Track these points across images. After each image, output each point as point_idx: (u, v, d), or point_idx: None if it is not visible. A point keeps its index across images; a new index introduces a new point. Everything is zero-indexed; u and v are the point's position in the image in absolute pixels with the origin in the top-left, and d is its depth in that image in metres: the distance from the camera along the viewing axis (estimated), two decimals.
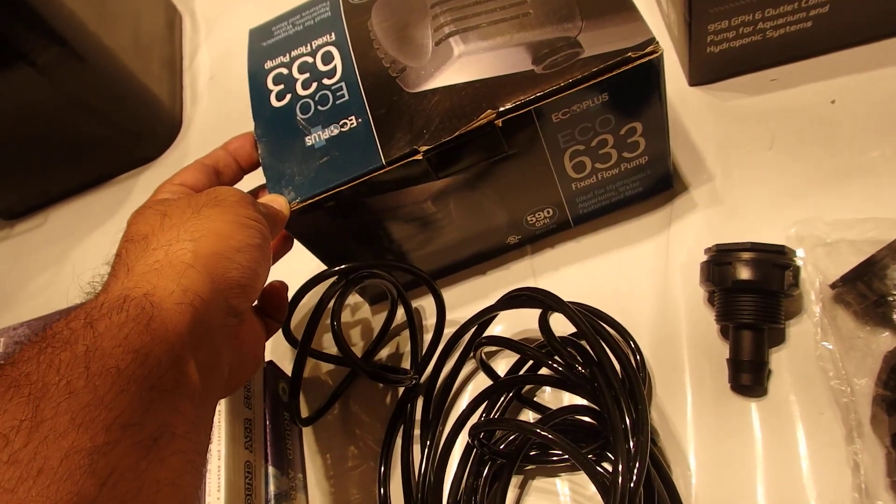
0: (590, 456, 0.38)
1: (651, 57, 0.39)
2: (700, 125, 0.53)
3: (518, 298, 0.43)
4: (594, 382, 0.36)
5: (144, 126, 0.74)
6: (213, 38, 0.82)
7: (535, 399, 0.45)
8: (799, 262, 0.43)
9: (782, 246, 0.42)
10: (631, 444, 0.35)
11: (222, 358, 0.32)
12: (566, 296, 0.47)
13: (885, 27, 0.50)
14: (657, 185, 0.50)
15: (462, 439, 0.43)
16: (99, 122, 0.71)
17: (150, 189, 0.71)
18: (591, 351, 0.38)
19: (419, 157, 0.42)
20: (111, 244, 0.67)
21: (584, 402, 0.39)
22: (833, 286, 0.42)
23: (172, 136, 0.76)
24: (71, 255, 0.71)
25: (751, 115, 0.52)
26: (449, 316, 0.50)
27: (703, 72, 0.53)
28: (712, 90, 0.54)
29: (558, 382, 0.39)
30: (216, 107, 0.76)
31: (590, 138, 0.44)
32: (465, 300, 0.52)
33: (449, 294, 0.52)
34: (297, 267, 0.49)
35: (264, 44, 0.51)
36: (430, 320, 0.53)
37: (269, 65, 0.49)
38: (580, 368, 0.38)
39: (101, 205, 0.74)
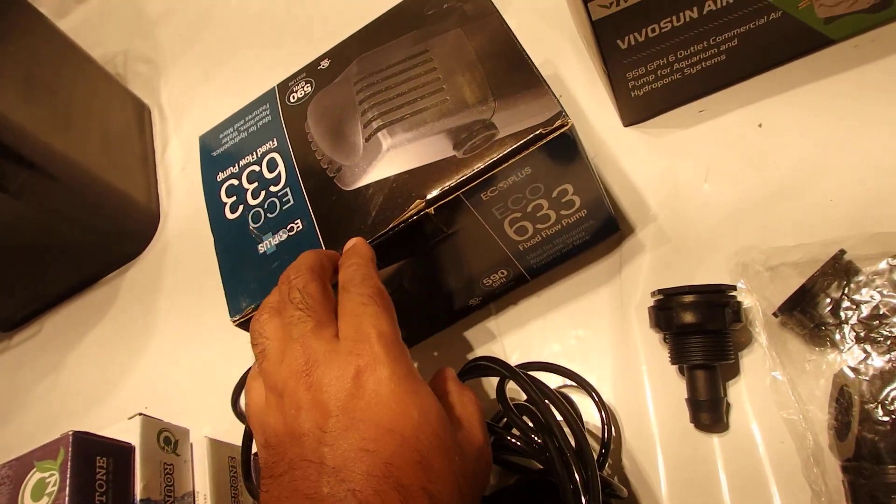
0: None
1: (561, 130, 0.41)
2: (639, 165, 0.54)
3: (477, 368, 0.44)
4: (546, 451, 0.38)
5: (124, 226, 0.77)
6: (182, 129, 0.85)
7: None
8: (738, 297, 0.45)
9: (718, 284, 0.44)
10: None
11: None
12: (534, 353, 0.49)
13: (797, 48, 0.52)
14: (603, 230, 0.51)
15: None
16: (78, 230, 0.73)
17: (137, 286, 0.75)
18: (541, 417, 0.39)
19: None
20: (103, 345, 0.70)
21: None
22: (775, 315, 0.44)
23: (152, 230, 0.79)
24: (67, 361, 0.74)
25: (685, 149, 0.53)
26: None
27: (633, 113, 0.55)
28: (645, 128, 0.56)
29: (520, 451, 0.41)
30: (190, 197, 0.79)
31: (524, 206, 0.46)
32: (435, 366, 0.54)
33: (418, 358, 0.54)
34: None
35: (214, 154, 0.53)
36: None
37: (220, 177, 0.52)
38: (534, 436, 0.40)
39: (91, 308, 0.77)
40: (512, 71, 0.44)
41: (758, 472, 0.42)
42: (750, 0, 0.47)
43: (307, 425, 0.32)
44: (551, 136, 0.41)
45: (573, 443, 0.38)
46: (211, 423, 0.58)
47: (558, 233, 0.49)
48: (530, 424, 0.40)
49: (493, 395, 0.50)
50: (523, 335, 0.53)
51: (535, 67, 0.44)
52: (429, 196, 0.42)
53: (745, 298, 0.46)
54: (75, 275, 0.78)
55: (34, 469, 0.42)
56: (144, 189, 0.80)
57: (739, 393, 0.45)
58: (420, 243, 0.45)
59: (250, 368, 0.40)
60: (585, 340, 0.50)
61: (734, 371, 0.45)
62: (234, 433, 0.48)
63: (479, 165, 0.42)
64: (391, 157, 0.45)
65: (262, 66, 0.81)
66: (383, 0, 0.53)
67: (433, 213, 0.43)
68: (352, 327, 0.35)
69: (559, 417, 0.40)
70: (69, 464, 0.41)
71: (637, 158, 0.55)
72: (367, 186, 0.45)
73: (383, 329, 0.35)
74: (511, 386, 0.43)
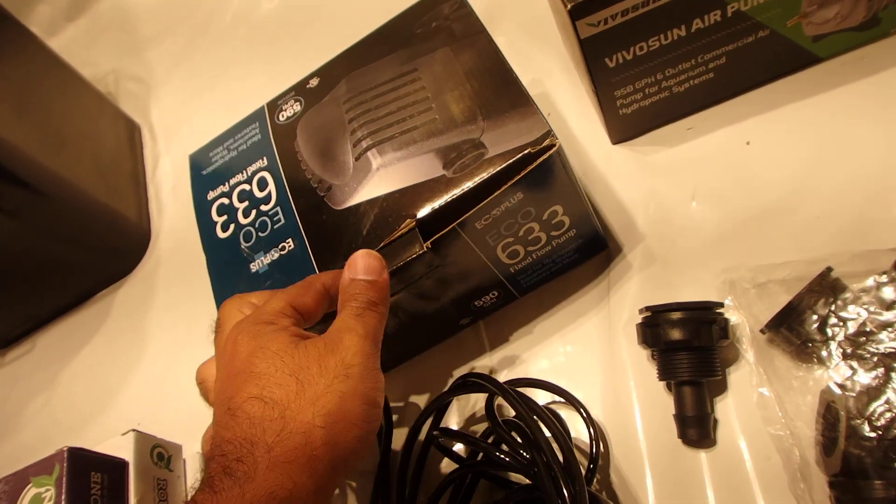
0: None
1: (550, 152, 0.41)
2: (627, 183, 0.55)
3: (466, 385, 0.45)
4: (534, 466, 0.38)
5: (115, 244, 0.77)
6: (172, 148, 0.85)
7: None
8: (725, 314, 0.45)
9: (706, 301, 0.44)
10: None
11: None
12: (522, 369, 0.49)
13: (785, 66, 0.53)
14: (591, 248, 0.52)
15: None
16: (71, 248, 0.73)
17: (129, 303, 0.75)
18: (530, 433, 0.40)
19: None
20: (96, 362, 0.70)
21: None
22: (762, 331, 0.44)
23: (143, 248, 0.79)
24: (61, 377, 0.74)
25: (672, 167, 0.54)
26: (411, 399, 0.53)
27: (621, 131, 0.56)
28: (634, 146, 0.56)
29: (508, 466, 0.41)
30: (181, 216, 0.79)
31: (516, 230, 0.46)
32: (424, 382, 0.55)
33: (405, 376, 0.55)
34: None
35: (204, 172, 0.54)
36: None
37: (211, 195, 0.52)
38: (523, 452, 0.40)
39: (84, 325, 0.76)
40: (500, 90, 0.45)
41: (745, 488, 0.42)
42: (738, 18, 0.48)
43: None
44: (541, 159, 0.41)
45: (561, 458, 0.39)
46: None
47: (549, 253, 0.50)
48: (519, 440, 0.41)
49: (482, 411, 0.50)
50: (512, 352, 0.53)
51: (523, 86, 0.45)
52: (419, 215, 0.43)
53: (733, 315, 0.46)
54: (68, 292, 0.78)
55: (30, 484, 0.42)
56: (135, 207, 0.80)
57: (727, 409, 0.45)
58: (417, 277, 0.45)
59: None
60: (574, 357, 0.51)
61: (721, 387, 0.45)
62: None
63: (469, 184, 0.42)
64: (381, 176, 0.45)
65: (253, 84, 0.82)
66: (373, 17, 0.54)
67: (429, 246, 0.42)
68: None
69: (547, 433, 0.40)
70: (64, 479, 0.42)
71: (625, 176, 0.55)
72: (358, 206, 0.45)
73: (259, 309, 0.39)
74: (500, 402, 0.43)
